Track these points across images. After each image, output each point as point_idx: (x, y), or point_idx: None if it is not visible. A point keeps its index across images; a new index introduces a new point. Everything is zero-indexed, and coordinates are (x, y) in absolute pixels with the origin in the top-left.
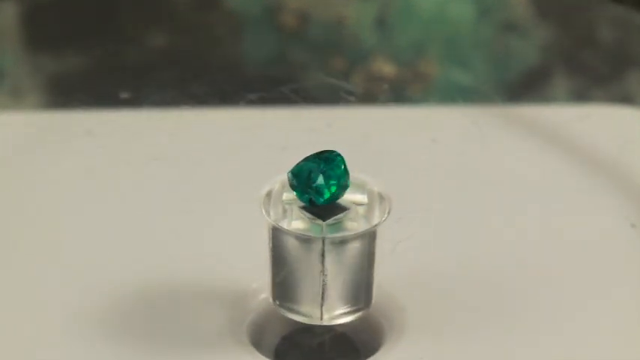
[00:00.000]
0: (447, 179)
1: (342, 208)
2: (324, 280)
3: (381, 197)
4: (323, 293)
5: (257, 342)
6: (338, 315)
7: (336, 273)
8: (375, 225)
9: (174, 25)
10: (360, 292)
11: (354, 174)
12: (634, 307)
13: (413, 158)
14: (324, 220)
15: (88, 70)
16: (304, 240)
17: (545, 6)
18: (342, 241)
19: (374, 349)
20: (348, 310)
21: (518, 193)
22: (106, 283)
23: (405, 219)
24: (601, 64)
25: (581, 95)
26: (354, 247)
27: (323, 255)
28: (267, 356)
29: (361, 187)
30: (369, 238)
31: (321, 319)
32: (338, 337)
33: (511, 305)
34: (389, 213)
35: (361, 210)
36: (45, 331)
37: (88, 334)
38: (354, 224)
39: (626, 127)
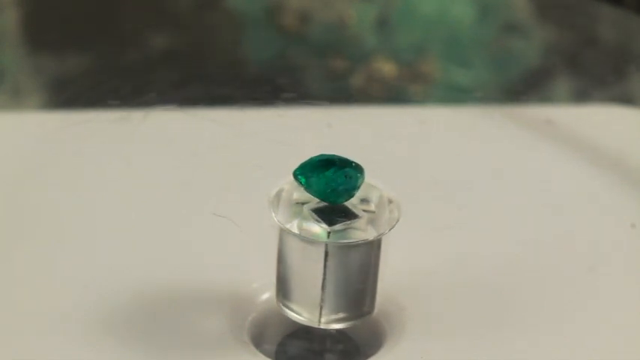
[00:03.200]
0: (448, 179)
1: (351, 215)
2: (323, 284)
3: (391, 204)
4: (322, 297)
5: (258, 342)
6: (333, 320)
7: (334, 279)
8: (370, 239)
9: (174, 25)
10: (355, 299)
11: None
12: (634, 307)
13: (413, 159)
14: (329, 225)
15: (88, 70)
16: (307, 242)
17: (546, 6)
18: (345, 247)
19: (375, 349)
20: (344, 316)
21: (519, 193)
22: (107, 284)
23: (405, 220)
24: (602, 65)
25: (582, 96)
26: (354, 256)
27: (325, 259)
28: (268, 356)
29: (372, 192)
30: (369, 247)
31: (319, 322)
32: (339, 337)
33: (511, 305)
34: (396, 223)
35: (368, 218)
36: (46, 334)
37: (88, 333)
38: (357, 232)
39: (626, 127)
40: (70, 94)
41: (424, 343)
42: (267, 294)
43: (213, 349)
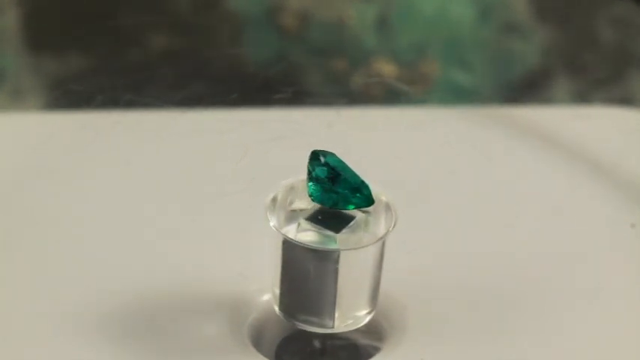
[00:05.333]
0: (447, 180)
1: (348, 219)
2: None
3: (388, 208)
4: (281, 289)
5: (258, 343)
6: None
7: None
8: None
9: (175, 26)
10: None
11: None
12: (634, 307)
13: (413, 159)
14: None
15: (88, 71)
16: (275, 232)
17: (546, 7)
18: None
19: (375, 350)
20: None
21: (519, 193)
22: (107, 287)
23: (405, 221)
24: (601, 66)
25: (581, 96)
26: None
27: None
28: (267, 357)
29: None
30: (322, 257)
31: (280, 314)
32: (339, 338)
33: (511, 305)
34: (393, 227)
35: (367, 222)
36: (45, 337)
37: (87, 336)
38: (320, 237)
39: (626, 128)
40: (70, 94)
41: (425, 345)
42: (267, 295)
43: (213, 350)
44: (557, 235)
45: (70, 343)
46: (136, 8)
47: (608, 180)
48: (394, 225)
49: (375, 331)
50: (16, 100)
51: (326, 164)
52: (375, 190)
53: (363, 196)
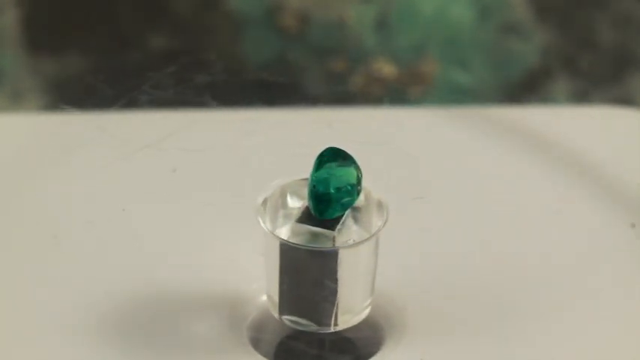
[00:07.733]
0: (447, 180)
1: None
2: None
3: (380, 206)
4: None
5: (257, 343)
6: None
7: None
8: (353, 244)
9: (175, 26)
10: (317, 307)
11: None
12: (634, 307)
13: (413, 159)
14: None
15: (87, 71)
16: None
17: (546, 7)
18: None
19: (374, 350)
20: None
21: (518, 193)
22: (106, 287)
23: (405, 220)
24: (601, 66)
25: (581, 96)
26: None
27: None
28: (266, 357)
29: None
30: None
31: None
32: (338, 338)
33: (511, 305)
34: (384, 224)
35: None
36: (45, 337)
37: (87, 337)
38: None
39: (625, 128)
40: (70, 95)
41: (424, 344)
42: (266, 295)
43: (212, 350)
44: (556, 234)
45: (70, 343)
46: (136, 8)
47: (608, 180)
48: (365, 238)
49: (374, 330)
50: (15, 100)
51: (327, 166)
52: (368, 189)
53: (314, 206)
